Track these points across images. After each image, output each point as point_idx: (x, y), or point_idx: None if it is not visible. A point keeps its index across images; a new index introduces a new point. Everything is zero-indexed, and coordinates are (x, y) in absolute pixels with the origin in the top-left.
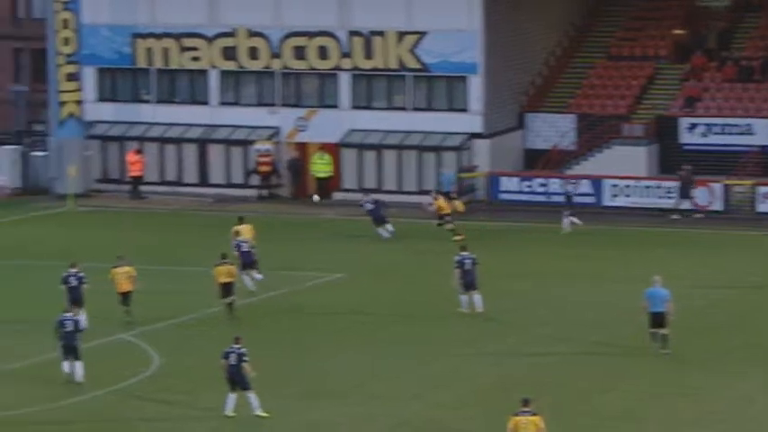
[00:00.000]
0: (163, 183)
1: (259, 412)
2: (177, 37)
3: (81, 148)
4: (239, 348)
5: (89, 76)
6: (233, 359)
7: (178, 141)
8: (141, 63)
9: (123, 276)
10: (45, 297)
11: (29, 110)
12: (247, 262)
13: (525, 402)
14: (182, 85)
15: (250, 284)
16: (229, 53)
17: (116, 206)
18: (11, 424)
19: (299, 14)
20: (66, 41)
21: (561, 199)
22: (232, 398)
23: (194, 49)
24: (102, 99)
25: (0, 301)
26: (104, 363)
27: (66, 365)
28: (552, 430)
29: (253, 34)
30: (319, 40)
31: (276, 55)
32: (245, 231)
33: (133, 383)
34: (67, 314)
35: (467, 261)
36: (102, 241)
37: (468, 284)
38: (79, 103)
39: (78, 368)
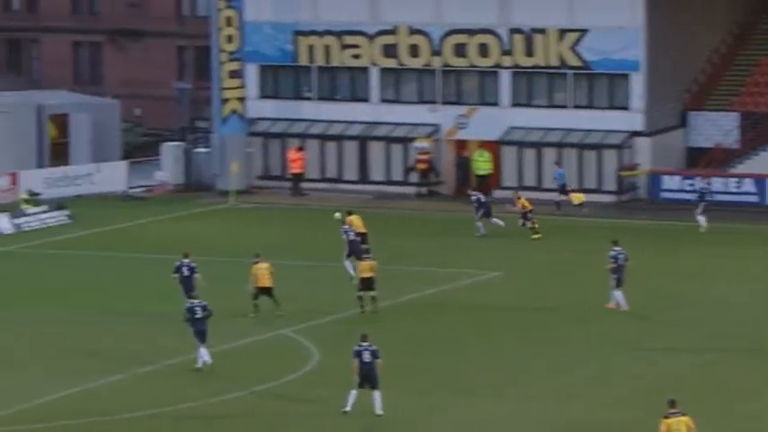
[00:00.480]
0: (323, 179)
1: (380, 412)
2: (338, 35)
3: (243, 145)
4: (369, 345)
5: (251, 73)
6: (366, 356)
7: (339, 139)
8: (303, 60)
9: (265, 271)
10: (205, 292)
11: (192, 107)
12: (353, 250)
13: (672, 403)
14: (342, 83)
15: (352, 272)
16: (390, 51)
17: (277, 203)
18: (173, 419)
19: (459, 12)
20: (230, 39)
21: (713, 198)
22: (354, 394)
23: (355, 46)
24: (263, 96)
25: (162, 296)
26: (264, 358)
27: (203, 352)
28: None
29: (413, 32)
30: (480, 38)
31: (437, 52)
32: (354, 222)
33: (292, 379)
34: (195, 301)
35: (620, 256)
36: (262, 237)
37: (619, 280)
38: (241, 100)
39: (204, 353)
